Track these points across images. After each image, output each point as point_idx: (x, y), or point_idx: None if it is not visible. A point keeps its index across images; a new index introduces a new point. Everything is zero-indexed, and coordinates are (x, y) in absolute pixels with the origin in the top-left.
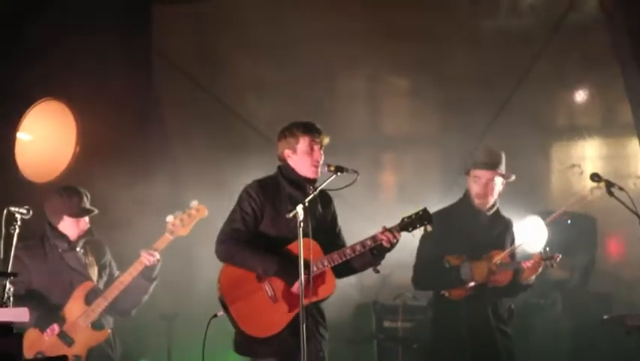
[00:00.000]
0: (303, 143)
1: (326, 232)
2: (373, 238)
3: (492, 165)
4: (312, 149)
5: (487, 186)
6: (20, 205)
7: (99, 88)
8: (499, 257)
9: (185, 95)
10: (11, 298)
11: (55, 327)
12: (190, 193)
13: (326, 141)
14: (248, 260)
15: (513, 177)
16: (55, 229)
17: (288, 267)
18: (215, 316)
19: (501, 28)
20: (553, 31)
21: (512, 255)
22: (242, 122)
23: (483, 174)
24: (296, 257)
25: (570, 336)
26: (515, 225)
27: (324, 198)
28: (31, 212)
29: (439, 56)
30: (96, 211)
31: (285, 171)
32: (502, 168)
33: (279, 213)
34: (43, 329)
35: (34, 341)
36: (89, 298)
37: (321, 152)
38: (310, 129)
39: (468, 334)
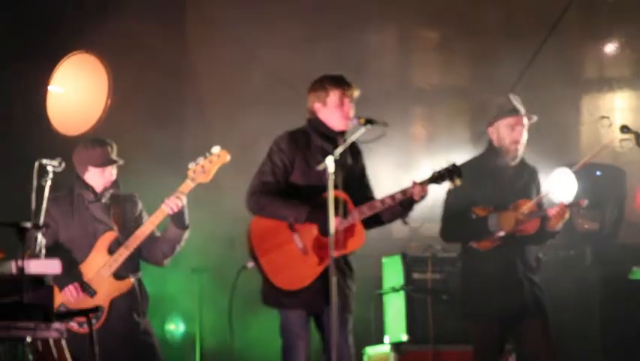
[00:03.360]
0: (333, 96)
1: (355, 184)
2: (403, 192)
3: (521, 110)
4: (342, 102)
5: (523, 131)
6: (52, 158)
7: (131, 40)
8: (526, 206)
9: (217, 46)
10: (43, 251)
11: (74, 288)
12: (220, 144)
13: (356, 93)
14: (279, 210)
15: (535, 118)
16: (81, 180)
17: (319, 212)
18: (245, 267)
19: None
20: None
21: (539, 204)
22: (273, 75)
23: (517, 120)
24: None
25: (599, 287)
26: (544, 176)
27: (354, 150)
28: (63, 164)
29: (469, 8)
30: (121, 162)
31: (315, 124)
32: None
33: (310, 165)
34: (60, 287)
35: (55, 295)
36: (112, 248)
37: (352, 105)
38: (341, 82)
39: (497, 284)
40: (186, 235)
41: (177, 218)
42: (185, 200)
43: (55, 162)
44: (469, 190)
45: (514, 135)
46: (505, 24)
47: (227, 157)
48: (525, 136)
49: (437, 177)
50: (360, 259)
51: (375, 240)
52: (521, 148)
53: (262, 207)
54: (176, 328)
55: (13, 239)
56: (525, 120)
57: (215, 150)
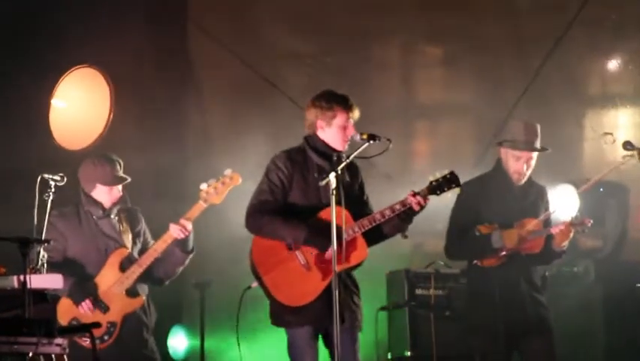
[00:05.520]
0: (340, 118)
1: (354, 200)
2: (402, 203)
3: (533, 144)
4: (346, 125)
5: (528, 163)
6: (54, 172)
7: (134, 55)
8: (531, 225)
9: (220, 63)
10: (45, 265)
11: (89, 302)
12: (224, 161)
13: (357, 115)
14: (277, 230)
15: (549, 150)
16: (89, 197)
17: (318, 234)
18: (249, 288)
19: None
20: None
21: (545, 222)
22: (276, 91)
23: (525, 154)
24: (326, 224)
25: (602, 304)
26: (548, 192)
27: (352, 166)
28: (65, 179)
29: (472, 24)
30: (129, 179)
31: (312, 142)
32: (539, 142)
33: (308, 183)
34: (76, 301)
35: (69, 309)
36: (124, 265)
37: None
38: (348, 105)
39: (501, 302)
40: (189, 258)
41: (182, 242)
42: (190, 226)
43: (57, 177)
44: (476, 208)
45: (517, 166)
46: (509, 40)
47: (239, 180)
48: (532, 163)
49: (435, 187)
50: (363, 275)
51: (378, 256)
52: (524, 177)
53: (260, 226)
54: (179, 343)
55: (15, 254)
56: (535, 154)
57: (228, 172)
